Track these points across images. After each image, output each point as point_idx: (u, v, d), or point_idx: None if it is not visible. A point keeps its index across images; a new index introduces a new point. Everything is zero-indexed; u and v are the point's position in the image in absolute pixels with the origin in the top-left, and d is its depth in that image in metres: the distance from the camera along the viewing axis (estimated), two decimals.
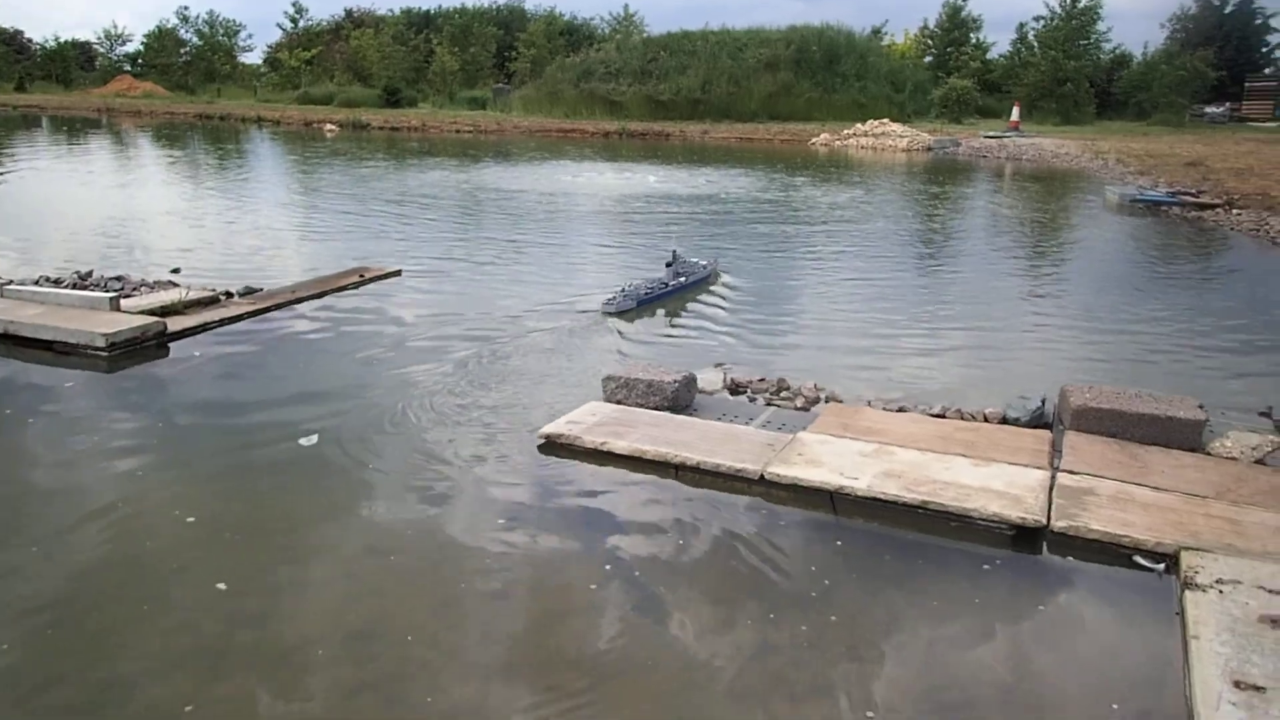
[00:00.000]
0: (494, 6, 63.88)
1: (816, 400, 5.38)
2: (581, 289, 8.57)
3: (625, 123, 38.82)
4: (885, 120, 33.87)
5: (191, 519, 3.94)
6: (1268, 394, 5.77)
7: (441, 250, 10.59)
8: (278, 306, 7.49)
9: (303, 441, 4.72)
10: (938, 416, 5.06)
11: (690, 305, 8.07)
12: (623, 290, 8.11)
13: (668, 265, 8.71)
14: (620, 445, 4.52)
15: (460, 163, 23.56)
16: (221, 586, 3.38)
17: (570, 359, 6.36)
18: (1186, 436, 4.56)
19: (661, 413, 4.98)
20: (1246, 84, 47.89)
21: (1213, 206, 14.48)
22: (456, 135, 36.06)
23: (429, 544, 3.74)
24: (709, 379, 5.63)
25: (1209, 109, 45.53)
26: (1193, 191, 15.54)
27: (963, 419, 5.02)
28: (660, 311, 7.82)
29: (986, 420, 5.01)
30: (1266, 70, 50.78)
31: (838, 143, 32.37)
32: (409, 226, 12.60)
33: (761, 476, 4.20)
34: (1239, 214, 13.76)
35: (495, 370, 6.04)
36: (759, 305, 8.17)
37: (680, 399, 5.11)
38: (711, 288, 8.80)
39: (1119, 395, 4.81)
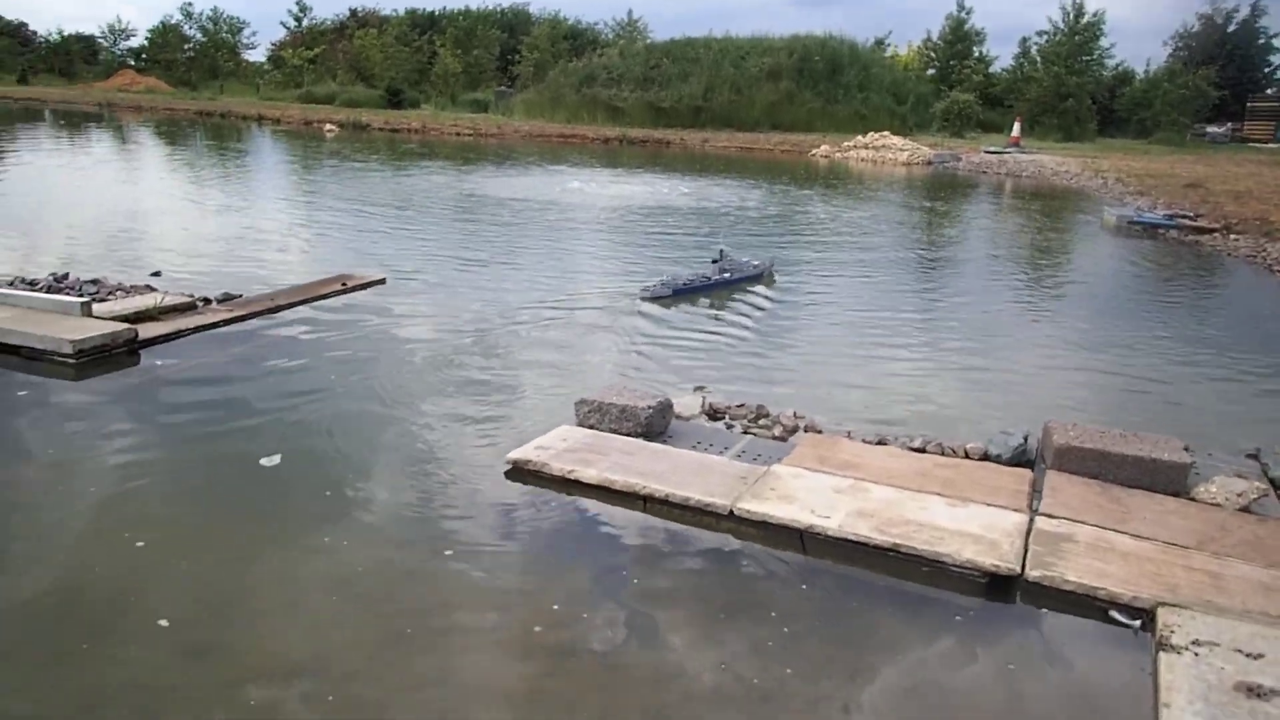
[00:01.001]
0: (498, 9, 63.99)
1: (795, 429, 5.26)
2: (568, 303, 8.45)
3: (626, 129, 38.78)
4: (885, 133, 33.79)
5: (141, 543, 3.81)
6: (1257, 432, 5.66)
7: (429, 258, 10.46)
8: (255, 315, 7.36)
9: (264, 462, 4.59)
10: (918, 450, 4.93)
11: (686, 320, 7.94)
12: (662, 280, 8.87)
13: (714, 262, 9.40)
14: (589, 474, 4.39)
15: (457, 167, 23.47)
16: (164, 621, 3.25)
17: (549, 378, 6.23)
18: (1171, 480, 4.43)
19: (635, 439, 4.86)
20: (1248, 104, 47.94)
21: (1210, 231, 14.38)
22: (456, 138, 35.98)
23: (382, 575, 3.61)
24: (687, 403, 5.51)
25: (1210, 128, 45.57)
26: (1191, 215, 15.44)
27: (943, 454, 4.89)
28: (658, 325, 7.70)
29: (968, 456, 4.88)
30: (1269, 90, 50.80)
31: (838, 155, 32.30)
32: (398, 232, 12.49)
33: (731, 512, 4.07)
34: (1236, 239, 13.66)
35: (471, 388, 5.91)
36: (752, 326, 8.04)
37: (654, 425, 4.98)
38: (758, 288, 9.35)
39: (1103, 435, 4.68)
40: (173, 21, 64.95)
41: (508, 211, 15.08)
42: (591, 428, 5.00)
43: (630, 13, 65.36)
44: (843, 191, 21.60)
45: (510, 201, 16.26)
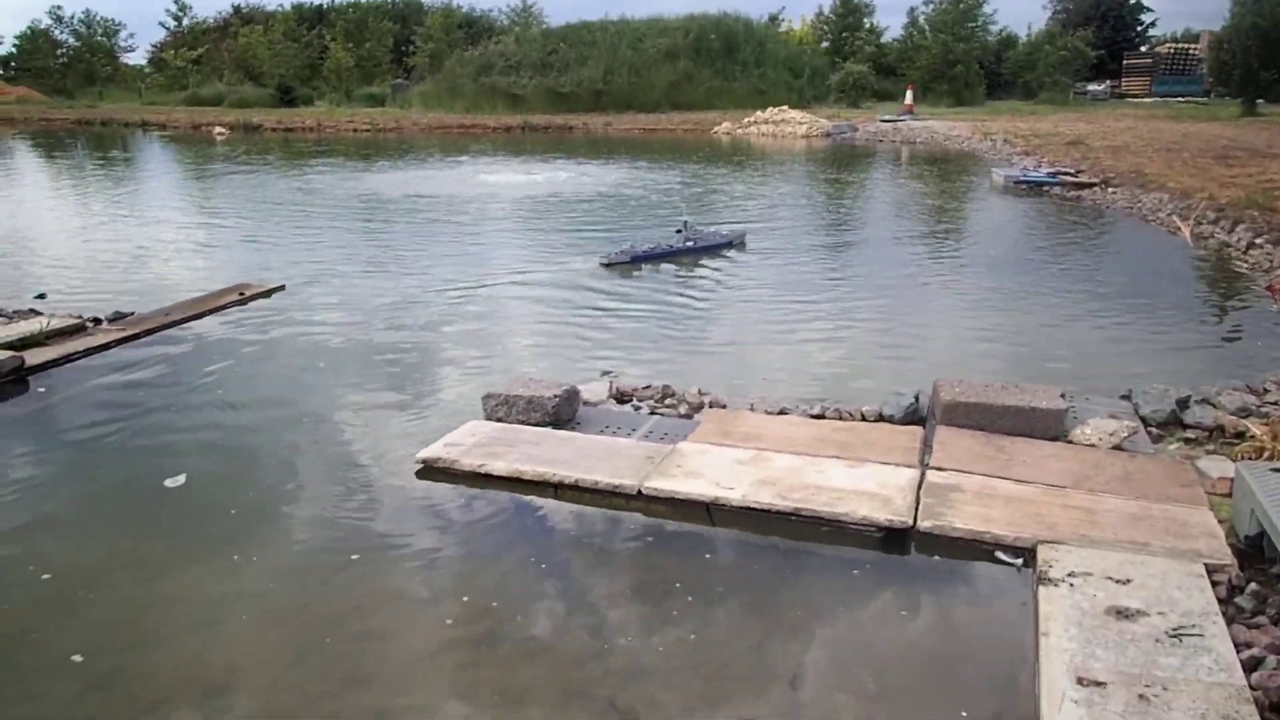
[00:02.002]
0: (389, 0, 62.44)
1: (700, 406, 5.41)
2: (478, 297, 8.45)
3: (527, 116, 38.46)
4: (784, 107, 34.31)
5: (48, 575, 3.74)
6: (1134, 371, 6.05)
7: (331, 261, 10.29)
8: (149, 332, 7.16)
9: (169, 483, 4.52)
10: (817, 417, 5.14)
11: (602, 304, 8.02)
12: (621, 248, 9.81)
13: (677, 232, 10.34)
14: (499, 466, 4.46)
15: (354, 164, 23.00)
16: (78, 657, 3.19)
17: (460, 372, 6.25)
18: (1049, 426, 4.72)
19: (543, 429, 4.94)
20: (1124, 61, 50.12)
21: (1090, 185, 15.11)
22: (354, 134, 35.18)
23: (295, 587, 3.62)
24: (594, 389, 5.61)
25: (1091, 87, 47.48)
26: (1071, 171, 16.17)
27: (841, 419, 5.11)
28: (573, 311, 7.77)
29: (864, 418, 5.11)
30: (1142, 48, 53.23)
31: (739, 131, 32.69)
32: (298, 236, 12.23)
33: (639, 492, 4.20)
34: (1114, 192, 14.38)
35: (380, 389, 5.90)
36: (659, 303, 8.17)
37: (562, 413, 5.06)
38: (729, 253, 10.27)
39: (986, 388, 4.95)
40: (42, 26, 61.51)
41: (410, 207, 14.90)
42: (500, 420, 5.06)
43: None
44: (749, 168, 21.90)
45: (413, 196, 16.05)
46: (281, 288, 8.67)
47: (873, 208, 15.20)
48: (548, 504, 4.25)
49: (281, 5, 62.91)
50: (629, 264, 9.61)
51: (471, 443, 4.73)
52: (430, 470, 4.57)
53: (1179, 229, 11.12)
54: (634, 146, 28.45)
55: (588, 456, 4.54)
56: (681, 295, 8.55)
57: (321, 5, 62.09)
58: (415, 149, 28.33)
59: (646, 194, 16.58)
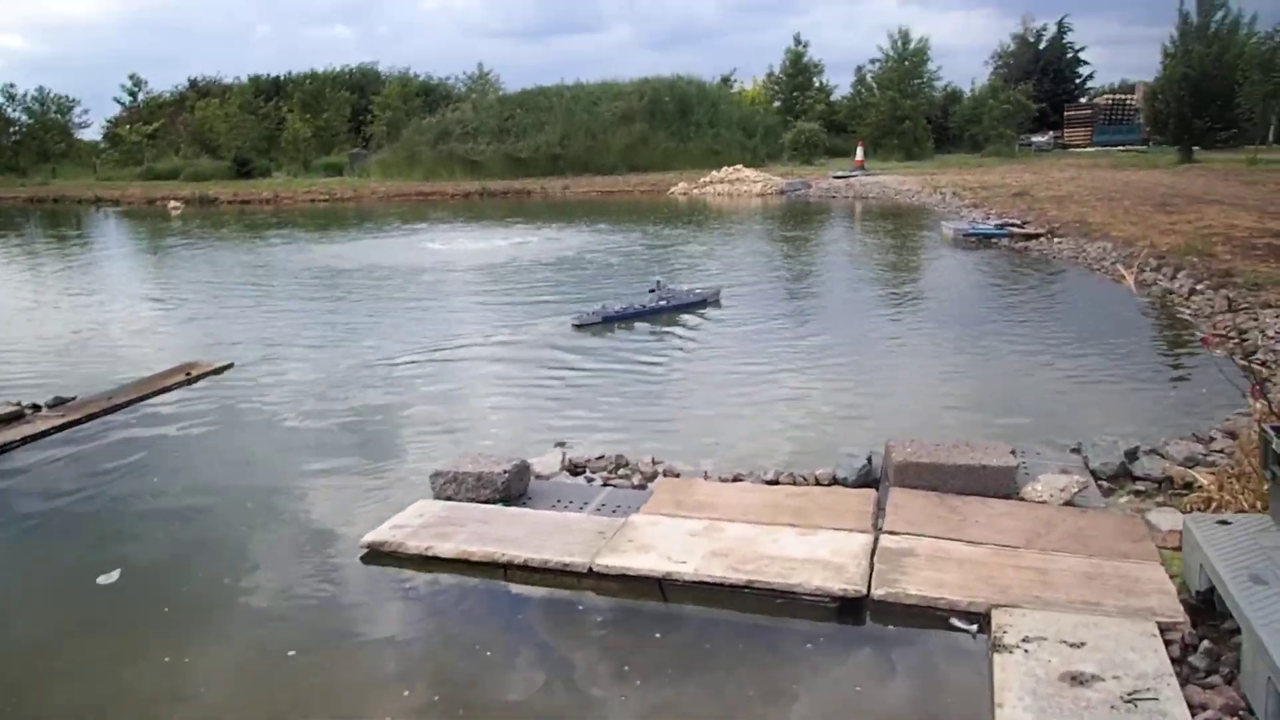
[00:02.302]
0: (346, 70, 63.08)
1: (654, 475, 5.35)
2: (432, 374, 8.37)
3: (485, 182, 38.80)
4: (739, 166, 34.94)
5: None
6: (1083, 422, 6.11)
7: (282, 337, 10.17)
8: (92, 417, 6.99)
9: (102, 580, 4.35)
10: (771, 483, 5.10)
11: (546, 373, 7.97)
12: (593, 309, 9.97)
13: (651, 291, 10.53)
14: (446, 548, 4.35)
15: (312, 235, 22.95)
16: None
17: (411, 449, 6.15)
18: (1001, 484, 4.72)
19: (493, 506, 4.85)
20: (1066, 113, 51.90)
21: (1037, 236, 15.45)
22: (311, 205, 35.19)
23: (232, 685, 3.47)
24: (547, 462, 5.53)
25: (1035, 138, 49.06)
26: (1019, 223, 16.55)
27: (795, 484, 5.08)
28: (524, 384, 7.71)
29: (818, 482, 5.08)
30: (1081, 100, 55.19)
31: (695, 191, 33.16)
32: (250, 312, 12.09)
33: (590, 569, 4.11)
34: (1059, 242, 14.71)
35: (327, 470, 5.77)
36: (617, 367, 8.14)
37: (513, 489, 4.98)
38: (704, 312, 10.41)
39: (938, 447, 4.96)
40: None
41: (366, 278, 14.83)
42: (449, 499, 4.97)
43: (480, 66, 65.27)
44: (707, 228, 22.17)
45: (369, 267, 16.00)
46: (230, 366, 8.54)
47: (829, 265, 15.39)
48: (496, 586, 4.14)
49: (239, 78, 63.36)
50: (601, 324, 9.77)
51: (419, 524, 4.62)
52: (376, 554, 4.45)
53: (1123, 277, 11.37)
54: (592, 209, 28.72)
55: (538, 534, 4.45)
56: (639, 358, 8.53)
57: (279, 77, 62.62)
58: (373, 217, 28.37)
59: (606, 256, 16.69)
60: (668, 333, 9.64)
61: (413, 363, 8.60)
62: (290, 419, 6.98)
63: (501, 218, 26.40)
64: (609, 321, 9.87)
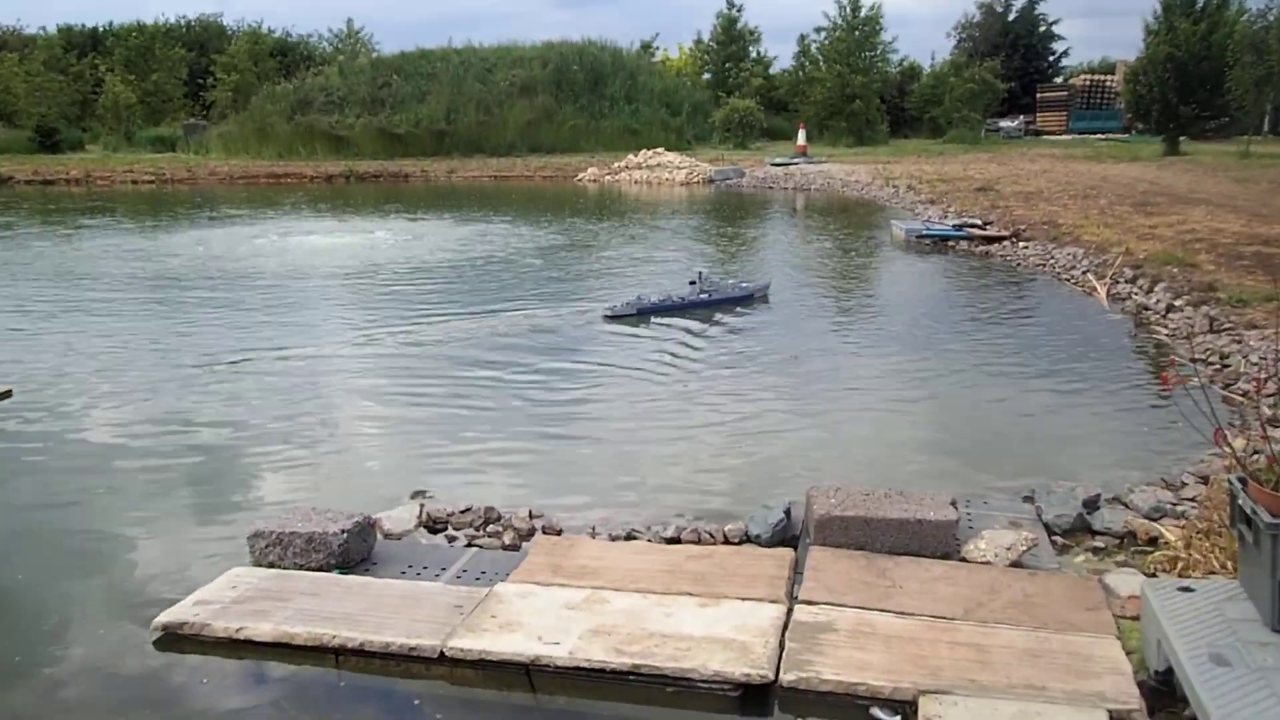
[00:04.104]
0: (182, 22, 61.60)
1: (531, 532, 5.27)
2: (268, 395, 8.13)
3: (353, 163, 38.28)
4: (660, 149, 35.26)
5: None
6: (1040, 461, 6.26)
7: (79, 355, 9.75)
8: None
9: None
10: (671, 541, 5.08)
11: (411, 401, 7.82)
12: (627, 300, 11.00)
13: (691, 284, 11.47)
14: (263, 630, 4.18)
15: (129, 225, 22.23)
16: None
17: (232, 499, 5.94)
18: (939, 541, 4.78)
19: (327, 574, 4.70)
20: (1038, 95, 53.90)
21: (1000, 239, 15.92)
22: (134, 187, 34.18)
23: None
24: (398, 517, 5.40)
25: (1004, 123, 50.79)
26: (980, 224, 17.04)
27: (699, 542, 5.06)
28: (377, 421, 7.54)
29: (727, 540, 5.07)
30: (1056, 80, 57.38)
31: (608, 177, 33.34)
32: (41, 326, 11.58)
33: (442, 653, 4.00)
34: (1025, 247, 15.19)
35: (125, 525, 5.54)
36: (500, 393, 8.04)
37: (353, 552, 4.84)
38: (745, 308, 11.41)
39: (867, 498, 5.00)
40: None
41: (195, 281, 14.40)
42: (272, 565, 4.79)
43: (350, 22, 64.19)
44: (627, 224, 22.23)
45: (197, 267, 15.56)
46: (9, 393, 8.14)
47: (760, 271, 15.55)
48: (325, 676, 4.00)
49: (44, 29, 61.26)
50: (635, 316, 10.78)
51: (230, 598, 4.44)
52: (173, 638, 4.24)
53: (1094, 289, 11.78)
54: (485, 197, 28.58)
55: (380, 609, 4.32)
56: (528, 382, 8.44)
57: (96, 29, 60.77)
58: (212, 203, 27.66)
59: (506, 261, 16.57)
60: (567, 349, 9.59)
61: (243, 387, 8.34)
62: (81, 459, 6.69)
63: (371, 207, 26.03)
64: (644, 314, 10.83)
